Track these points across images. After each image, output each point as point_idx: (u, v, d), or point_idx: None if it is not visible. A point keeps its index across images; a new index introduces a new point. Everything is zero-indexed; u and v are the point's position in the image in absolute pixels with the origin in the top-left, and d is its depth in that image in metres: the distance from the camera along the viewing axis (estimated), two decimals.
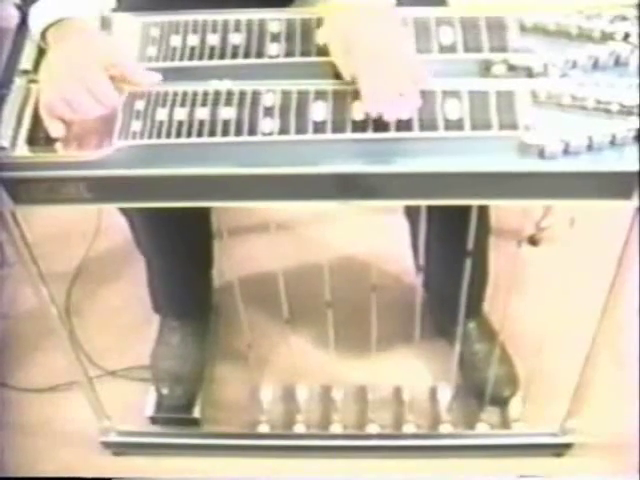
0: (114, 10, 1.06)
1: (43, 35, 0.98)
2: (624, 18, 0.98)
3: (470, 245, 1.16)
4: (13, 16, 1.03)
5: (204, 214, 1.37)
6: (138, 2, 1.07)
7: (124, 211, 1.32)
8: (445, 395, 1.44)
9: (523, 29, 1.00)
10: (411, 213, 1.33)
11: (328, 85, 0.96)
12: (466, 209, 1.09)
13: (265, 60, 1.00)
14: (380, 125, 0.92)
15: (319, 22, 1.00)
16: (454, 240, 1.18)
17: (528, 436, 1.40)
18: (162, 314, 1.52)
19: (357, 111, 0.93)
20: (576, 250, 1.20)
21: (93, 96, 0.92)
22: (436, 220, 1.13)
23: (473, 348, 1.45)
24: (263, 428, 1.43)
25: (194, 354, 1.50)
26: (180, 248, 1.36)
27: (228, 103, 0.95)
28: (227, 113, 0.94)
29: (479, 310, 1.47)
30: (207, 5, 1.04)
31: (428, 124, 0.92)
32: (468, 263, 1.18)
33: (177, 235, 1.32)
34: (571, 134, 0.89)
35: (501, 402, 1.43)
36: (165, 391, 1.46)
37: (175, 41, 1.02)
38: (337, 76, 0.97)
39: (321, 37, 0.99)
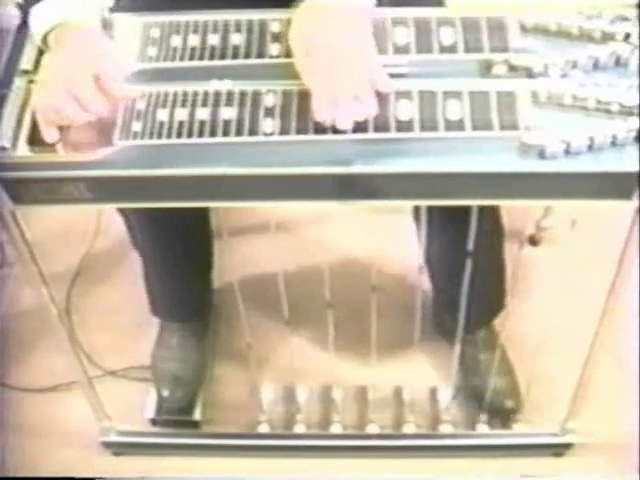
0: (112, 9, 1.05)
1: (44, 38, 0.98)
2: (625, 18, 0.98)
3: (470, 245, 1.15)
4: (14, 16, 1.03)
5: (203, 215, 1.36)
6: (138, 2, 1.06)
7: (122, 211, 1.32)
8: (445, 395, 1.43)
9: (524, 29, 0.99)
10: (419, 215, 1.33)
11: None
12: (478, 210, 1.08)
13: (266, 60, 0.99)
14: (380, 125, 0.92)
15: (289, 23, 0.99)
16: (463, 242, 1.18)
17: (528, 436, 1.40)
18: (161, 316, 1.52)
19: (314, 116, 0.92)
20: (576, 250, 1.20)
21: (79, 104, 0.91)
22: (445, 222, 1.12)
23: (478, 357, 1.44)
24: (263, 428, 1.43)
25: (194, 356, 1.49)
26: (179, 249, 1.36)
27: (229, 103, 0.95)
28: (228, 113, 0.94)
29: (490, 320, 1.45)
30: (208, 5, 1.03)
31: (429, 124, 0.92)
32: (473, 262, 1.18)
33: (176, 236, 1.32)
34: (572, 134, 0.89)
35: (502, 414, 1.42)
36: (165, 393, 1.46)
37: (176, 41, 1.01)
38: None
39: (289, 38, 0.98)
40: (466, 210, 1.05)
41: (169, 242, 1.33)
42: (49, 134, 0.93)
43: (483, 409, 1.40)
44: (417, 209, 1.32)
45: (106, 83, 0.93)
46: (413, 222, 1.34)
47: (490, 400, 1.37)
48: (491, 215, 1.27)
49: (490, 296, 1.40)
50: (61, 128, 0.94)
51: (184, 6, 1.03)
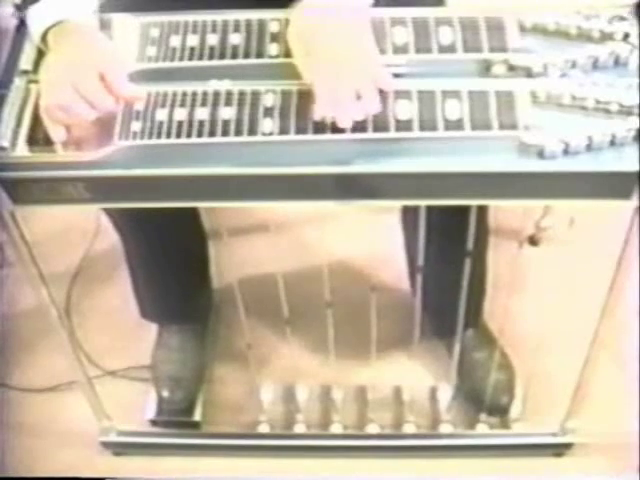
0: (101, 9, 1.05)
1: (43, 37, 0.98)
2: (623, 18, 0.98)
3: (470, 245, 1.15)
4: (13, 16, 1.03)
5: (193, 214, 1.36)
6: (133, 1, 1.06)
7: (110, 214, 1.31)
8: (445, 395, 1.43)
9: (523, 29, 1.00)
10: (407, 220, 1.33)
11: None
12: (465, 211, 1.08)
13: (265, 60, 0.99)
14: (380, 125, 0.92)
15: (286, 22, 1.00)
16: (451, 244, 1.17)
17: (528, 436, 1.40)
18: (157, 320, 1.52)
19: (315, 113, 0.92)
20: (576, 250, 1.20)
21: (86, 101, 0.91)
22: (434, 223, 1.12)
23: (471, 356, 1.44)
24: (263, 428, 1.43)
25: (194, 357, 1.49)
26: (171, 248, 1.35)
27: (228, 103, 0.95)
28: (227, 113, 0.94)
29: (477, 318, 1.46)
30: (206, 5, 1.03)
31: (428, 124, 0.92)
32: (467, 263, 1.18)
33: (167, 235, 1.31)
34: (571, 134, 0.89)
35: (499, 411, 1.42)
36: (165, 394, 1.46)
37: (175, 41, 1.02)
38: None
39: (288, 38, 0.98)
40: (458, 211, 1.05)
41: (158, 242, 1.32)
42: (56, 133, 0.93)
43: (482, 408, 1.40)
44: (405, 213, 1.32)
45: (112, 82, 0.93)
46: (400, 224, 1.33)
47: (488, 397, 1.37)
48: (481, 215, 1.26)
49: (475, 296, 1.38)
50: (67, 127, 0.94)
51: (183, 6, 1.03)
